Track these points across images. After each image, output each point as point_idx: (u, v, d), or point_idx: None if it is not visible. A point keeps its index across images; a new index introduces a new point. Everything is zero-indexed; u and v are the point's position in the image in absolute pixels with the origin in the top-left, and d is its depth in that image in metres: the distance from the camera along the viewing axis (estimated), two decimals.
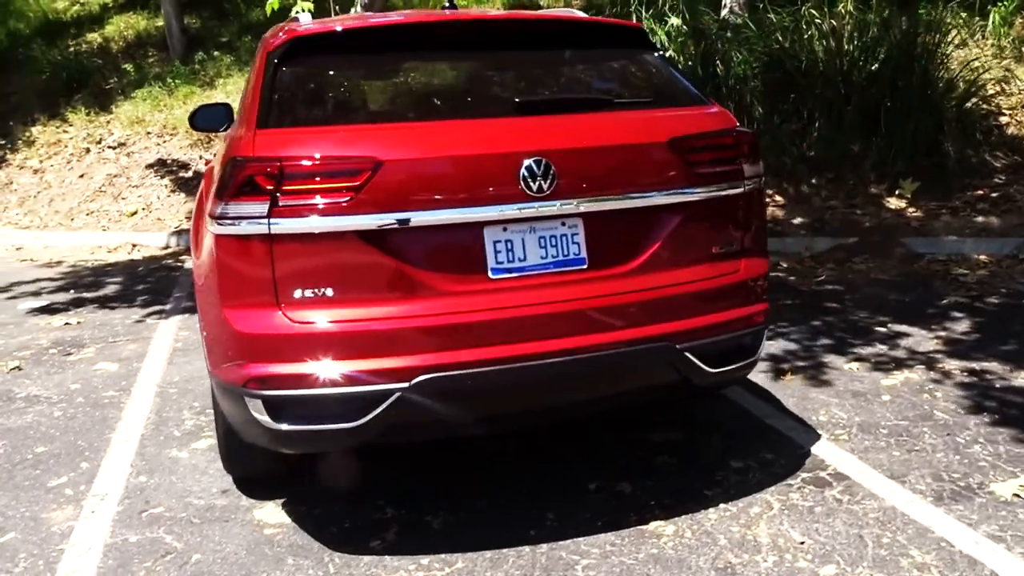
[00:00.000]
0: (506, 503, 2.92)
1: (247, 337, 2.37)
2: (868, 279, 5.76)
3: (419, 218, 2.37)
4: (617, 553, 2.59)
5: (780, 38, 7.41)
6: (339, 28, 2.71)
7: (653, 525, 2.74)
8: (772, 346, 4.43)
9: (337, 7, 9.78)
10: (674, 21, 7.45)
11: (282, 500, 2.99)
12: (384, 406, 2.35)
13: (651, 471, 3.11)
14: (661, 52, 3.03)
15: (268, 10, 9.24)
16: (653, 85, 2.94)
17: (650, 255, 2.61)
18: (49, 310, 5.98)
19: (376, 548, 2.66)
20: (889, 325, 4.72)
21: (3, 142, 10.62)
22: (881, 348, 4.32)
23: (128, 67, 11.54)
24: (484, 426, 2.61)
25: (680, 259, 2.66)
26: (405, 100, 2.76)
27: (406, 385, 2.34)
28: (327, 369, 2.34)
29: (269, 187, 2.30)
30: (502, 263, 2.46)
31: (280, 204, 2.30)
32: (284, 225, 2.31)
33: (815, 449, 3.23)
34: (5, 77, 11.62)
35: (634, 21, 7.36)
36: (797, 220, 6.76)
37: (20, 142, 10.54)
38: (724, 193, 2.70)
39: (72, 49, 12.31)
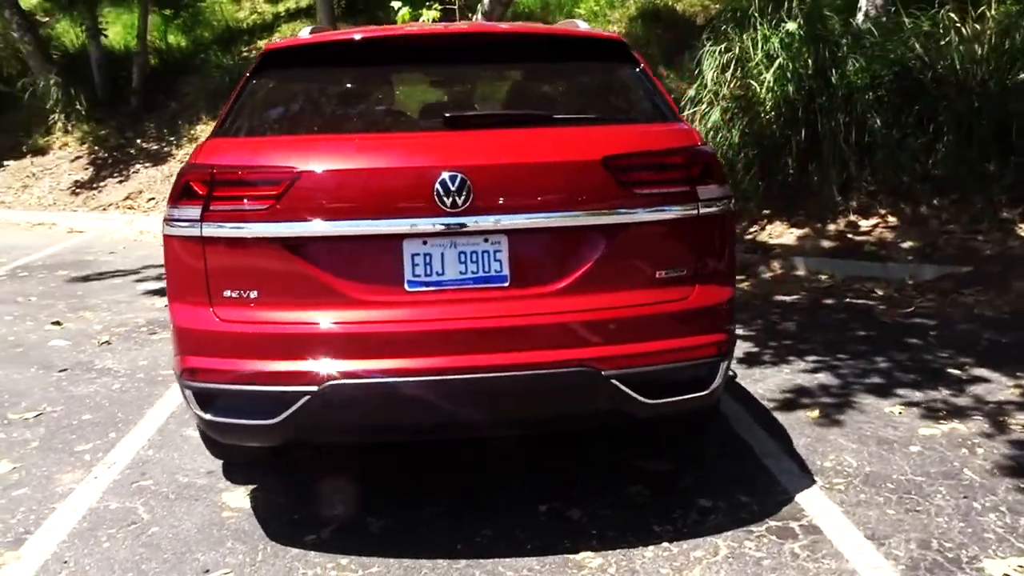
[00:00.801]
0: (452, 513, 2.92)
1: (183, 331, 2.55)
2: (968, 314, 5.17)
3: (336, 228, 2.43)
4: None
5: (915, 44, 6.80)
6: (305, 43, 2.83)
7: (582, 555, 2.65)
8: (813, 379, 4.12)
9: (470, 14, 10.07)
10: (790, 26, 7.03)
11: (252, 487, 3.16)
12: (295, 407, 2.44)
13: (615, 500, 2.99)
14: (640, 65, 2.91)
15: (399, 20, 9.69)
16: (615, 100, 2.84)
17: (579, 276, 2.52)
18: (161, 292, 6.62)
19: (308, 542, 2.76)
20: (968, 368, 4.24)
21: (171, 139, 11.80)
22: (942, 393, 3.89)
23: None
24: (397, 435, 2.64)
25: (614, 282, 2.54)
26: (344, 113, 2.83)
27: (316, 389, 2.42)
28: (247, 367, 2.46)
29: (203, 193, 2.45)
30: (419, 276, 2.47)
31: (211, 209, 2.45)
32: (213, 229, 2.45)
33: (800, 497, 2.98)
34: (184, 79, 12.88)
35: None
36: (907, 244, 6.18)
37: (184, 139, 11.67)
38: (670, 216, 2.56)
39: (243, 54, 13.44)
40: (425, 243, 2.46)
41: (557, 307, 2.49)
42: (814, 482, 3.09)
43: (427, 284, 2.47)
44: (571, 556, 2.65)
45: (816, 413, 3.72)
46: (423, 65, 2.79)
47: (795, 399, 3.89)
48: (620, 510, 2.93)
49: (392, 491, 3.11)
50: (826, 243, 6.44)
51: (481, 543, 2.73)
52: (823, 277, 6.08)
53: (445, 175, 2.39)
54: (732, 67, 7.32)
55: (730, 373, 4.19)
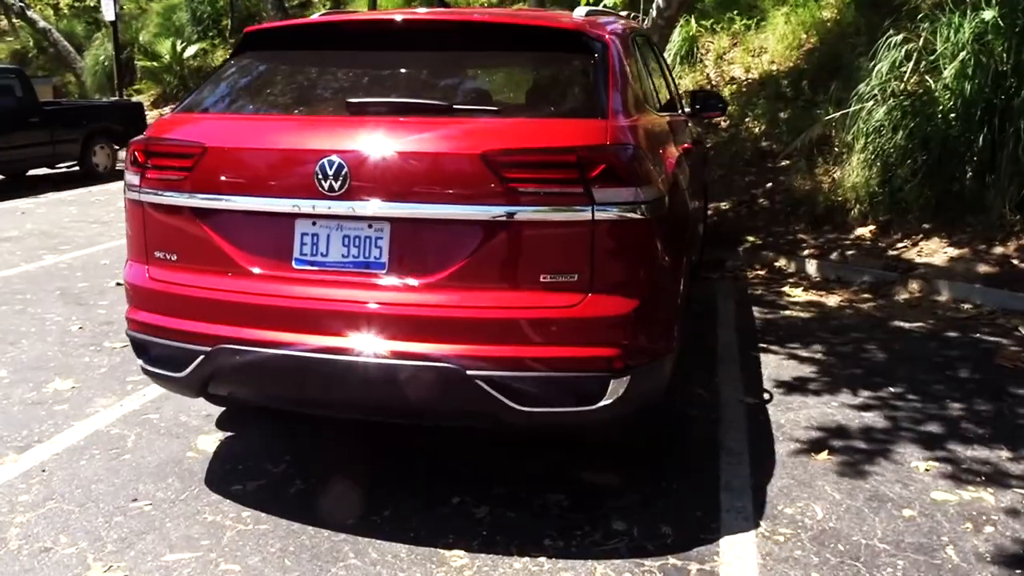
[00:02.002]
0: (370, 490, 2.99)
1: (128, 284, 2.84)
2: None
3: (235, 202, 2.58)
4: (388, 565, 2.55)
5: None
6: (279, 26, 2.98)
7: (452, 553, 2.62)
8: (855, 418, 3.63)
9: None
10: (987, 15, 6.04)
11: (228, 435, 3.45)
12: (193, 365, 2.64)
13: (531, 505, 2.90)
14: (595, 58, 2.73)
15: (584, 1, 9.63)
16: (549, 92, 2.69)
17: (455, 271, 2.45)
18: None
19: (231, 492, 2.98)
20: None
21: None
22: (999, 457, 3.25)
23: None
24: (285, 404, 2.75)
25: (492, 280, 2.45)
26: (276, 94, 2.90)
27: (208, 350, 2.60)
28: (163, 323, 2.71)
29: (141, 161, 2.71)
30: (305, 255, 2.55)
31: (146, 177, 2.70)
32: (147, 195, 2.71)
33: (727, 540, 2.69)
34: None
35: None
36: None
37: None
38: (558, 217, 2.40)
39: None
40: (315, 224, 2.54)
41: (430, 299, 2.46)
42: (756, 527, 2.77)
43: (312, 263, 2.55)
44: (442, 552, 2.63)
45: (824, 455, 3.29)
46: (380, 50, 2.82)
47: (816, 436, 3.46)
48: (527, 516, 2.83)
49: (338, 461, 3.24)
50: (984, 268, 5.53)
51: (373, 522, 2.79)
52: (966, 306, 5.25)
53: (325, 159, 2.45)
54: (913, 60, 6.47)
55: (765, 396, 3.86)
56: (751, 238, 6.61)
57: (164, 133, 2.72)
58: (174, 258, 2.71)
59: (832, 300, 5.52)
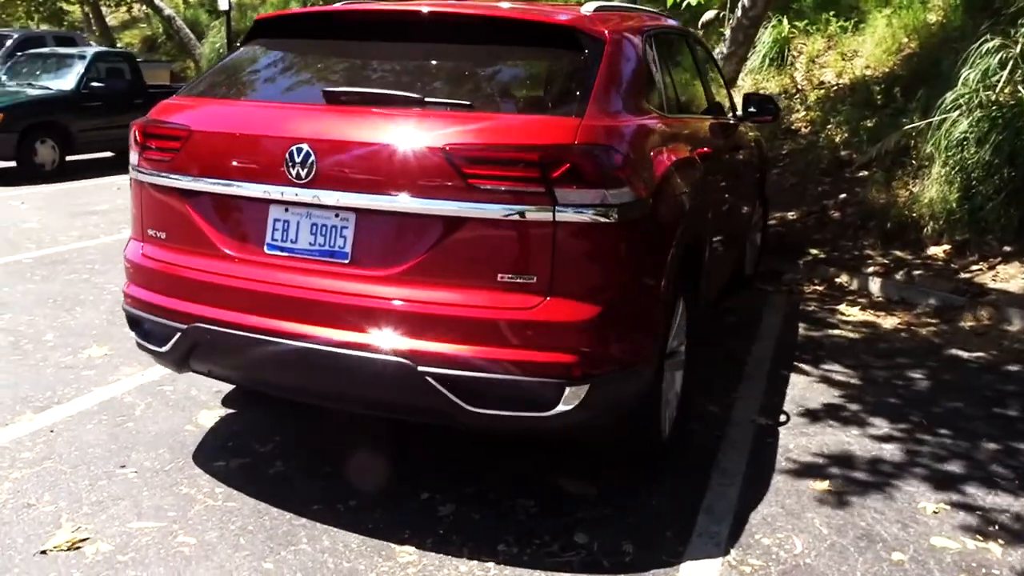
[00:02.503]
0: (344, 477, 3.00)
1: (126, 260, 2.95)
2: None
3: (215, 186, 2.64)
4: (336, 554, 2.56)
5: None
6: (287, 14, 3.01)
7: (402, 548, 2.61)
8: (872, 449, 3.40)
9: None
10: None
11: (229, 411, 3.54)
12: (172, 341, 2.73)
13: (498, 508, 2.85)
14: (587, 54, 2.64)
15: (670, 1, 9.44)
16: (530, 89, 2.62)
17: (414, 265, 2.42)
18: None
19: (212, 467, 3.06)
20: None
21: None
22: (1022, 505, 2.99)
23: None
24: (255, 385, 2.79)
25: (449, 277, 2.41)
26: (268, 81, 2.91)
27: (185, 328, 2.68)
28: (149, 299, 2.80)
29: (140, 142, 2.81)
30: (276, 241, 2.58)
31: (143, 156, 2.80)
32: (143, 175, 2.81)
33: (688, 565, 2.57)
34: None
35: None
36: None
37: None
38: (517, 217, 2.33)
39: None
40: (287, 210, 2.57)
41: (388, 293, 2.45)
42: (725, 555, 2.63)
43: (282, 249, 2.58)
44: (394, 546, 2.62)
45: (825, 485, 3.09)
46: (376, 41, 2.81)
47: (822, 465, 3.26)
48: (491, 519, 2.78)
49: (324, 448, 3.27)
50: None
51: (337, 510, 2.81)
52: None
53: (293, 147, 2.47)
54: (1008, 68, 6.01)
55: (781, 417, 3.67)
56: (815, 251, 6.30)
57: (160, 115, 2.81)
58: (163, 237, 2.80)
59: (889, 322, 5.19)
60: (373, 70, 2.82)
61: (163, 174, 2.74)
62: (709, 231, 3.52)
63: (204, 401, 3.64)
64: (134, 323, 2.92)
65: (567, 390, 2.39)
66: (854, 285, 5.83)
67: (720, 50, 9.27)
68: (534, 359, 2.37)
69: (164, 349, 2.78)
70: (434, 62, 2.75)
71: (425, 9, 2.79)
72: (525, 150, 2.32)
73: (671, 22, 3.99)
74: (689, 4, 9.62)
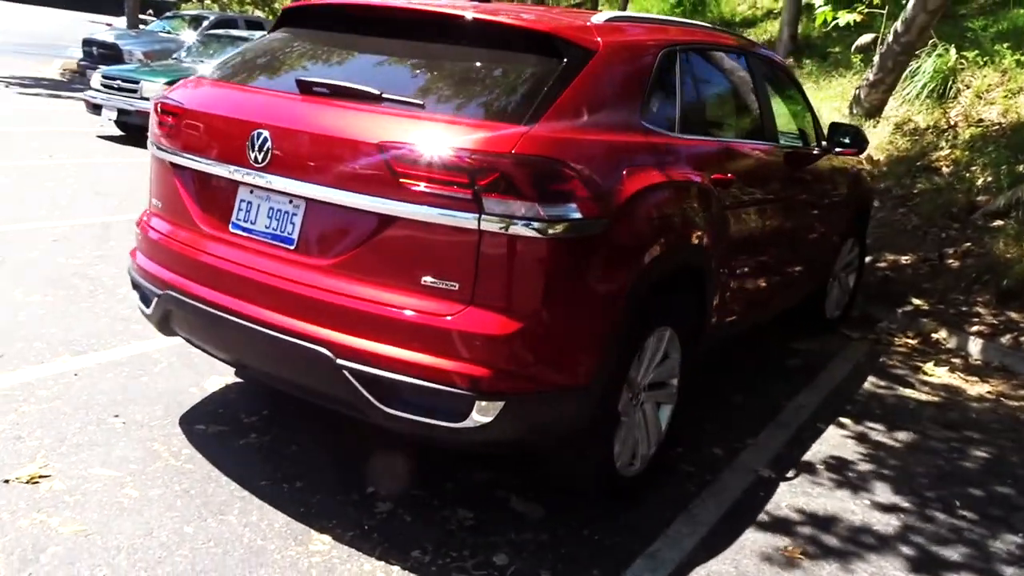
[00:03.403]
0: (305, 460, 3.07)
1: (136, 226, 3.16)
2: None
3: (195, 162, 2.76)
4: (257, 530, 2.62)
5: None
6: (309, 4, 3.09)
7: (320, 537, 2.64)
8: (871, 520, 3.06)
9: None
10: None
11: (237, 381, 3.71)
12: (153, 305, 2.90)
13: (435, 514, 2.81)
14: (563, 63, 2.54)
15: (819, 20, 8.96)
16: (489, 90, 2.53)
17: (346, 259, 2.43)
18: None
19: (192, 430, 3.21)
20: None
21: None
22: None
23: None
24: (211, 353, 2.89)
25: (375, 274, 2.39)
26: (265, 67, 2.95)
27: (160, 294, 2.84)
28: (143, 264, 2.98)
29: (155, 118, 3.00)
30: (239, 220, 2.67)
31: (153, 131, 2.99)
32: (153, 149, 3.00)
33: None
34: None
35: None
36: None
37: None
38: (444, 221, 2.27)
39: None
40: (252, 192, 2.65)
41: (322, 282, 2.47)
42: None
43: (243, 229, 2.67)
44: (313, 533, 2.65)
45: (797, 553, 2.82)
46: (375, 36, 2.82)
47: (806, 530, 2.97)
48: (420, 524, 2.76)
49: (305, 428, 3.34)
50: None
51: (281, 489, 2.88)
52: None
53: (254, 131, 2.54)
54: None
55: (788, 472, 3.38)
56: (918, 301, 5.74)
57: (169, 93, 2.99)
58: (160, 207, 2.98)
59: (976, 389, 4.65)
60: (364, 64, 2.86)
61: (162, 148, 2.92)
62: (723, 262, 3.29)
63: (221, 369, 3.83)
64: (134, 286, 3.12)
65: (477, 403, 2.32)
66: (952, 343, 5.26)
67: (866, 76, 8.68)
68: (446, 367, 2.32)
69: (148, 312, 2.96)
70: (421, 61, 2.75)
71: (422, 8, 2.79)
72: (455, 154, 2.27)
73: (727, 39, 3.75)
74: (837, 24, 9.10)
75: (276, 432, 3.28)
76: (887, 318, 5.68)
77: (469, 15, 2.68)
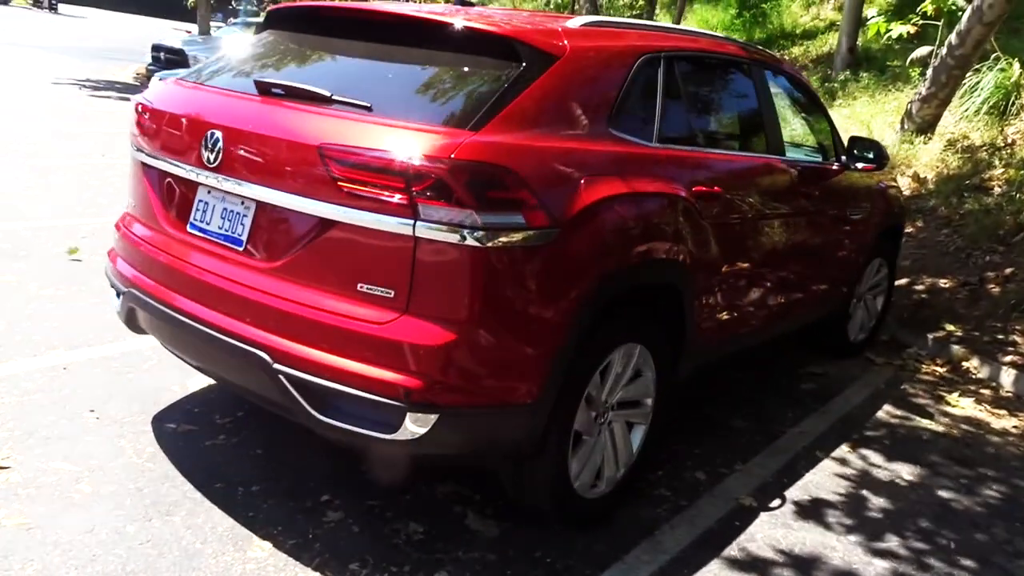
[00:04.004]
0: (268, 465, 3.05)
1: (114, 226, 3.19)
2: None
3: (159, 162, 2.77)
4: (200, 532, 2.60)
5: None
6: (290, 7, 3.06)
7: (260, 544, 2.60)
8: (853, 562, 2.86)
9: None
10: None
11: (216, 384, 3.70)
12: (119, 302, 2.91)
13: (382, 528, 2.74)
14: (521, 67, 2.46)
15: (872, 32, 8.66)
16: (441, 94, 2.45)
17: (287, 262, 2.39)
18: None
19: (163, 429, 3.22)
20: None
21: None
22: None
23: (807, 76, 11.89)
24: (170, 350, 2.89)
25: (313, 279, 2.34)
26: (236, 68, 2.91)
27: (124, 291, 2.85)
28: (113, 260, 3.01)
29: (134, 118, 3.01)
30: (197, 221, 2.66)
31: (132, 131, 3.01)
32: (131, 149, 3.02)
33: None
34: None
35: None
36: None
37: None
38: (379, 226, 2.21)
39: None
40: (209, 192, 2.64)
41: (263, 285, 2.44)
42: None
43: (200, 229, 2.66)
44: (255, 539, 2.62)
45: None
46: (351, 39, 2.77)
47: (776, 565, 2.80)
48: (367, 536, 2.69)
49: (277, 433, 3.31)
50: None
51: (234, 493, 2.85)
52: None
53: (208, 132, 2.53)
54: None
55: (773, 502, 3.21)
56: (951, 327, 5.43)
57: (146, 93, 3.01)
58: (133, 206, 3.00)
59: (1002, 423, 4.36)
60: (332, 66, 2.82)
61: (135, 147, 2.94)
62: (709, 280, 3.15)
63: None
64: (110, 283, 3.15)
65: (409, 415, 2.25)
66: (983, 373, 4.96)
67: (918, 91, 8.33)
68: (378, 377, 2.25)
69: (117, 309, 2.98)
70: (385, 64, 2.70)
71: (394, 11, 2.75)
72: (392, 159, 2.21)
73: (729, 47, 3.59)
74: (890, 36, 8.76)
75: (245, 435, 3.26)
76: (917, 344, 5.39)
77: (435, 18, 2.62)
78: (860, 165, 4.40)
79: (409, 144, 2.23)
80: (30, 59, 18.27)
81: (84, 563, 2.41)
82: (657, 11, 18.67)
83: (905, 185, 7.50)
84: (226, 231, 2.58)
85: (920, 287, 6.07)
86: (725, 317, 3.40)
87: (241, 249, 2.53)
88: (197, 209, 2.68)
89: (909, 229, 6.84)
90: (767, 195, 3.55)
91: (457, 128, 2.29)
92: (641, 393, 2.99)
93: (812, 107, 4.34)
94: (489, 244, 2.22)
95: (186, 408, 3.43)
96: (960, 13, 7.64)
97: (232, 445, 3.17)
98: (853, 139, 4.42)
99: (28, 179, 7.13)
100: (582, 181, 2.49)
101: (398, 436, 2.28)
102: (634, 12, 17.98)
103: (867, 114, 9.39)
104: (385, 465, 2.99)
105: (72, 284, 4.73)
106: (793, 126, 4.00)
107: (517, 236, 2.28)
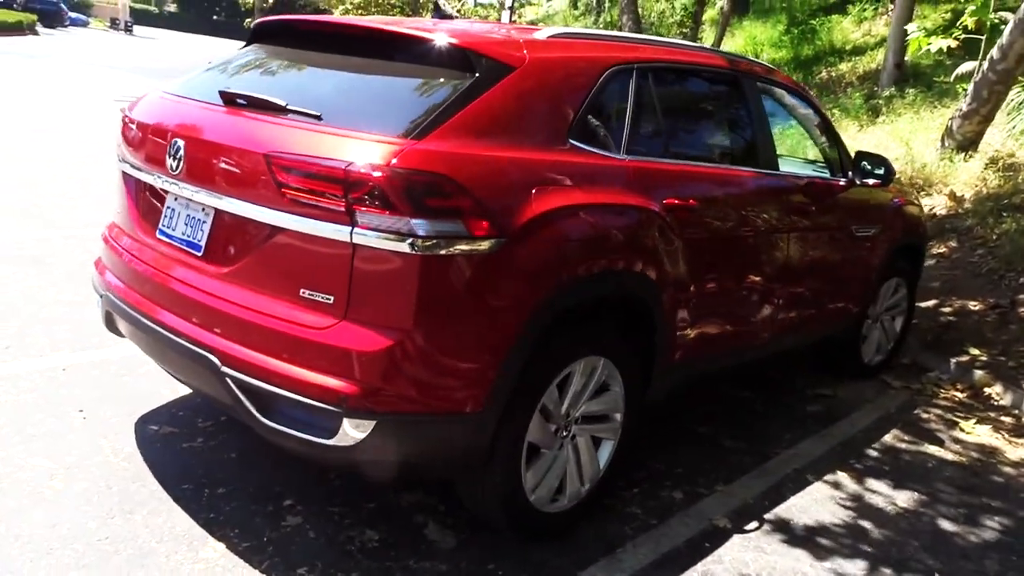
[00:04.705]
0: (241, 469, 3.09)
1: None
2: None
3: (134, 170, 2.87)
4: (157, 533, 2.65)
5: None
6: (271, 21, 3.14)
7: (214, 545, 2.64)
8: None
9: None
10: None
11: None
12: (100, 303, 3.01)
13: (338, 534, 2.76)
14: (474, 77, 2.47)
15: (913, 47, 8.45)
16: (393, 103, 2.47)
17: (238, 267, 2.44)
18: None
19: (144, 431, 3.30)
20: None
21: None
22: None
23: (853, 93, 11.69)
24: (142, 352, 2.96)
25: (260, 284, 2.38)
26: (213, 80, 2.95)
27: (103, 294, 2.95)
28: (97, 265, 3.11)
29: (120, 129, 3.12)
30: (164, 227, 2.73)
31: (117, 142, 3.12)
32: (116, 159, 3.13)
33: None
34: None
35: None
36: None
37: None
38: (319, 232, 2.24)
39: (820, 73, 13.03)
40: (176, 200, 2.71)
41: (217, 290, 2.49)
42: None
43: (167, 235, 2.73)
44: (210, 540, 2.66)
45: None
46: (325, 52, 2.81)
47: None
48: (321, 542, 2.71)
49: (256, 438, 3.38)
50: None
51: (202, 494, 2.90)
52: None
53: (172, 140, 2.61)
54: None
55: (750, 525, 3.13)
56: (975, 350, 5.21)
57: (130, 107, 3.11)
58: (117, 213, 3.10)
59: (1019, 452, 4.16)
60: (300, 78, 2.87)
61: (119, 158, 3.04)
62: (684, 295, 3.09)
63: None
64: (94, 288, 3.25)
65: (346, 420, 2.26)
66: (1006, 400, 4.74)
67: (959, 107, 8.08)
68: (317, 382, 2.27)
69: (102, 313, 3.08)
70: (348, 75, 2.74)
71: (361, 24, 2.80)
72: (331, 166, 2.24)
73: (715, 60, 3.54)
74: (930, 51, 8.52)
75: (223, 438, 3.32)
76: (939, 368, 5.19)
77: (399, 31, 2.66)
78: (871, 181, 4.28)
79: (348, 152, 2.26)
80: (99, 78, 19.09)
81: (40, 556, 2.48)
82: (707, 28, 18.55)
83: (941, 204, 7.27)
84: (188, 237, 2.64)
85: (947, 309, 5.85)
86: (705, 334, 3.33)
87: (200, 254, 2.59)
88: (165, 216, 2.75)
89: (941, 249, 6.62)
90: (753, 210, 3.47)
91: (401, 137, 2.31)
92: (609, 408, 2.94)
93: (816, 122, 4.24)
94: (426, 252, 2.23)
95: (171, 412, 3.51)
96: (1003, 26, 7.39)
97: (209, 448, 3.23)
98: (859, 154, 4.30)
99: (69, 189, 7.42)
100: (534, 191, 2.48)
101: (336, 441, 2.30)
102: (683, 31, 17.90)
103: (909, 131, 9.13)
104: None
105: (90, 290, 4.86)
106: (792, 141, 3.91)
107: (458, 244, 2.28)
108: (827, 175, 4.23)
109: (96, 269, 3.10)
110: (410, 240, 2.22)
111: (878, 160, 4.24)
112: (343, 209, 2.23)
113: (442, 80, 2.53)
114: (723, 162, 3.48)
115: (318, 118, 2.43)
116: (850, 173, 4.26)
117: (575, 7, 31.23)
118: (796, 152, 4.05)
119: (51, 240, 5.84)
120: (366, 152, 2.25)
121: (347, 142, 2.30)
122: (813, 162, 4.22)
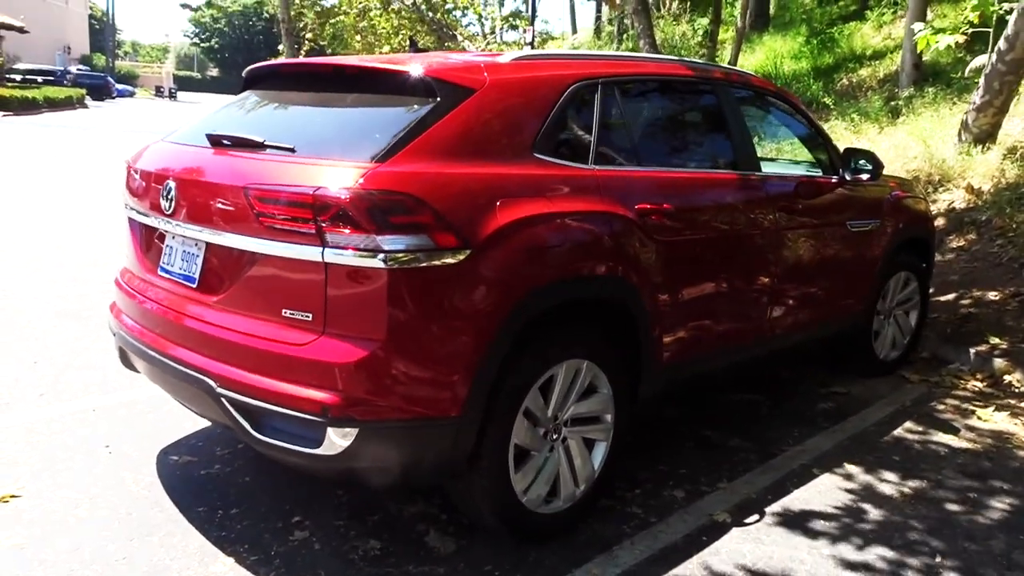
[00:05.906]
0: (253, 490, 3.25)
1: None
2: None
3: (137, 215, 3.09)
4: (172, 550, 2.81)
5: None
6: (261, 66, 3.37)
7: (224, 560, 2.77)
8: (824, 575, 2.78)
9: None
10: None
11: None
12: (114, 335, 3.22)
13: (342, 546, 2.88)
14: (435, 102, 2.63)
15: (920, 44, 8.45)
16: (360, 132, 2.64)
17: (228, 294, 2.62)
18: None
19: (165, 460, 3.49)
20: None
21: None
22: None
23: (872, 96, 11.64)
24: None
25: (248, 307, 2.56)
26: (205, 125, 3.12)
27: (116, 332, 3.16)
28: (111, 306, 3.32)
29: (125, 178, 3.36)
30: (165, 264, 2.94)
31: (123, 190, 3.35)
32: (123, 206, 3.36)
33: None
34: None
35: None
36: None
37: None
38: (295, 255, 2.41)
39: (841, 80, 13.01)
40: (173, 238, 2.92)
41: (210, 317, 2.67)
42: None
43: (167, 272, 2.93)
44: (220, 556, 2.80)
45: None
46: (305, 91, 3.04)
47: None
48: (324, 554, 2.83)
49: (266, 465, 3.53)
50: None
51: (216, 515, 3.05)
52: None
53: (165, 182, 2.82)
54: None
55: (751, 517, 3.17)
56: (996, 339, 5.15)
57: (132, 156, 3.35)
58: (126, 257, 3.32)
59: None
60: (282, 117, 3.08)
61: (125, 205, 3.27)
62: (666, 298, 3.18)
63: None
64: (110, 330, 3.47)
65: (331, 430, 2.40)
66: None
67: (972, 100, 8.02)
68: (300, 395, 2.42)
69: (114, 336, 3.28)
70: (322, 111, 2.95)
71: (331, 63, 3.01)
72: (300, 192, 2.41)
73: (684, 70, 3.65)
74: (950, 47, 8.47)
75: (239, 464, 3.48)
76: (959, 359, 5.14)
77: (367, 65, 2.86)
78: (864, 176, 4.32)
79: (316, 178, 2.43)
80: (140, 142, 19.88)
81: None
82: (728, 45, 18.62)
83: (960, 198, 7.20)
84: (184, 271, 2.84)
85: (967, 301, 5.79)
86: (693, 335, 3.40)
87: (195, 286, 2.78)
88: (165, 254, 2.96)
89: (960, 243, 6.56)
90: (733, 211, 3.55)
91: (366, 162, 2.48)
92: (599, 409, 3.03)
93: (800, 122, 4.31)
94: (393, 266, 2.38)
95: (191, 442, 3.69)
96: (1007, 17, 7.36)
97: (225, 473, 3.40)
98: (848, 151, 4.36)
99: (103, 250, 7.80)
100: (498, 203, 2.62)
101: (323, 451, 2.44)
102: (702, 51, 18.01)
103: (928, 129, 9.07)
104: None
105: None
106: (775, 143, 3.99)
107: (424, 257, 2.42)
108: (816, 173, 4.28)
109: (111, 312, 3.31)
110: (378, 256, 2.37)
111: (865, 155, 4.29)
112: (314, 231, 2.40)
113: (406, 107, 2.70)
114: (698, 166, 3.57)
115: (292, 150, 2.62)
116: (840, 170, 4.31)
117: (598, 37, 31.61)
118: (777, 153, 4.12)
119: (89, 296, 6.15)
120: (332, 177, 2.42)
121: (315, 169, 2.47)
122: (803, 163, 4.28)
